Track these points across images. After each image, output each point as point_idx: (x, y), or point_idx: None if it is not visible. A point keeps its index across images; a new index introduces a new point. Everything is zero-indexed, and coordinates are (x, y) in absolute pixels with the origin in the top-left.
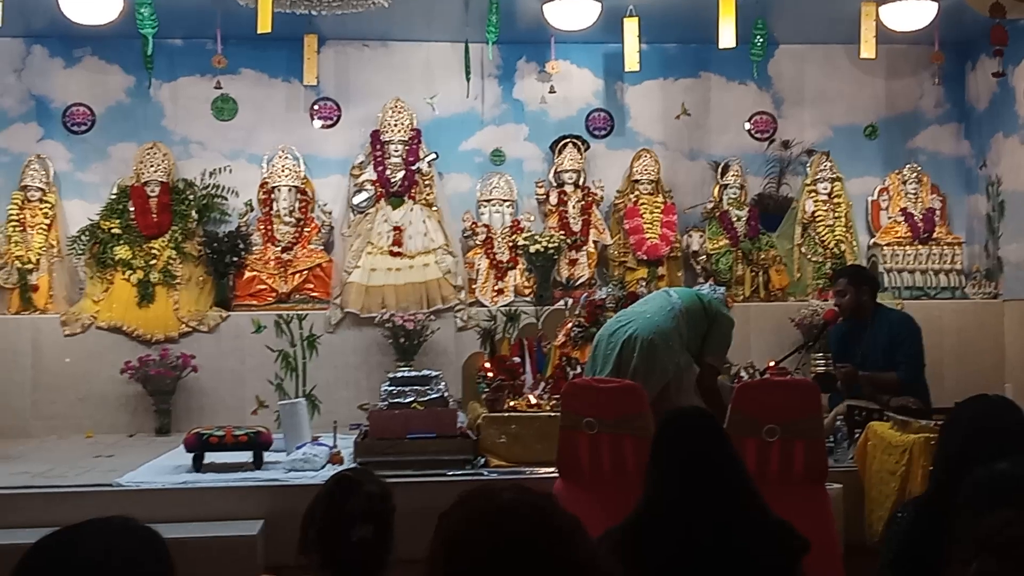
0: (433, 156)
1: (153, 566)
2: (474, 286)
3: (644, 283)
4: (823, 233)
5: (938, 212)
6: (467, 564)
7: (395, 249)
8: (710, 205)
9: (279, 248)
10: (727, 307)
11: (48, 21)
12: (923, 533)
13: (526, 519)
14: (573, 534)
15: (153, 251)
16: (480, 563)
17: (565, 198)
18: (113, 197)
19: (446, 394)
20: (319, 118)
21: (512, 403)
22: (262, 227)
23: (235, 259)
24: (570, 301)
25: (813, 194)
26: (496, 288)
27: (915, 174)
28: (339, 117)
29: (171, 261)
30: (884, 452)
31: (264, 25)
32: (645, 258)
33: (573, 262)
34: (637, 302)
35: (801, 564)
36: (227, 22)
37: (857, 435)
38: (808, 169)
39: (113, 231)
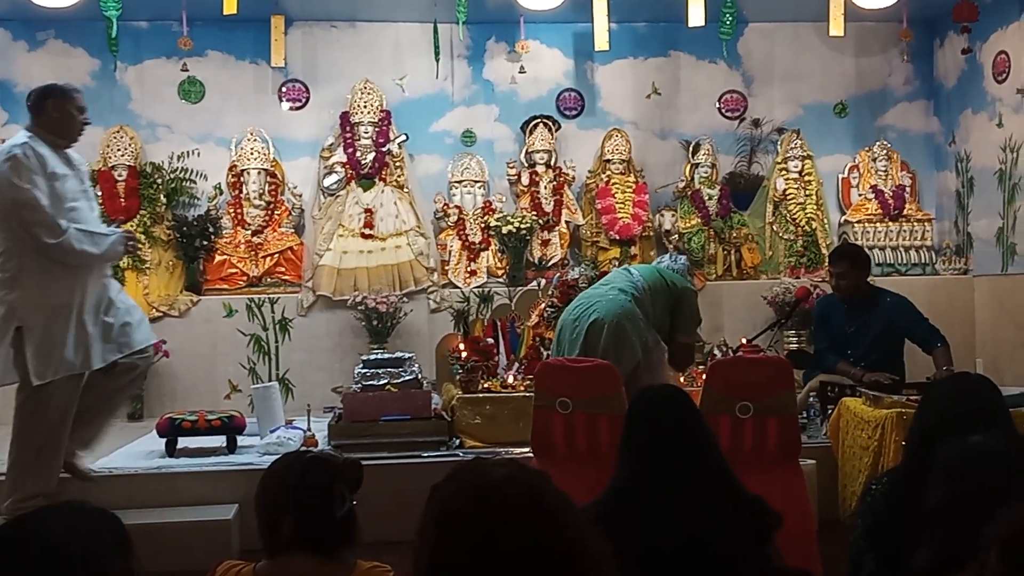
0: (403, 137)
1: (113, 548)
2: (447, 267)
3: (617, 263)
4: (794, 211)
5: (908, 189)
6: (459, 539)
7: (366, 231)
8: (681, 184)
9: (249, 231)
10: (690, 275)
11: (10, 4)
12: (897, 504)
13: (519, 496)
14: (565, 512)
15: None
16: (472, 538)
17: (537, 178)
18: None
19: (420, 376)
20: (287, 100)
21: (486, 384)
22: (232, 210)
23: (205, 243)
24: (543, 281)
25: (784, 172)
26: (469, 269)
27: (885, 151)
28: (308, 99)
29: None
30: (857, 427)
31: (230, 6)
32: (617, 238)
33: (545, 242)
34: (597, 282)
35: (775, 540)
36: (193, 3)
37: (830, 411)
38: (778, 147)
39: None
